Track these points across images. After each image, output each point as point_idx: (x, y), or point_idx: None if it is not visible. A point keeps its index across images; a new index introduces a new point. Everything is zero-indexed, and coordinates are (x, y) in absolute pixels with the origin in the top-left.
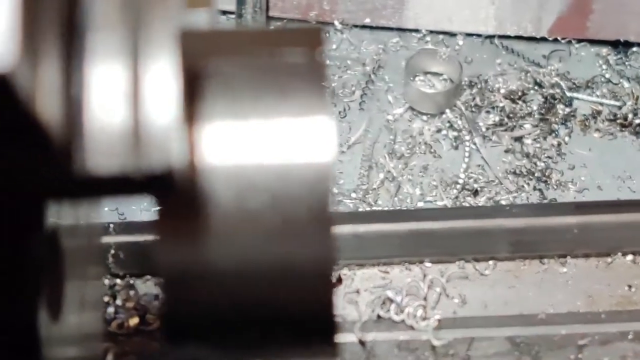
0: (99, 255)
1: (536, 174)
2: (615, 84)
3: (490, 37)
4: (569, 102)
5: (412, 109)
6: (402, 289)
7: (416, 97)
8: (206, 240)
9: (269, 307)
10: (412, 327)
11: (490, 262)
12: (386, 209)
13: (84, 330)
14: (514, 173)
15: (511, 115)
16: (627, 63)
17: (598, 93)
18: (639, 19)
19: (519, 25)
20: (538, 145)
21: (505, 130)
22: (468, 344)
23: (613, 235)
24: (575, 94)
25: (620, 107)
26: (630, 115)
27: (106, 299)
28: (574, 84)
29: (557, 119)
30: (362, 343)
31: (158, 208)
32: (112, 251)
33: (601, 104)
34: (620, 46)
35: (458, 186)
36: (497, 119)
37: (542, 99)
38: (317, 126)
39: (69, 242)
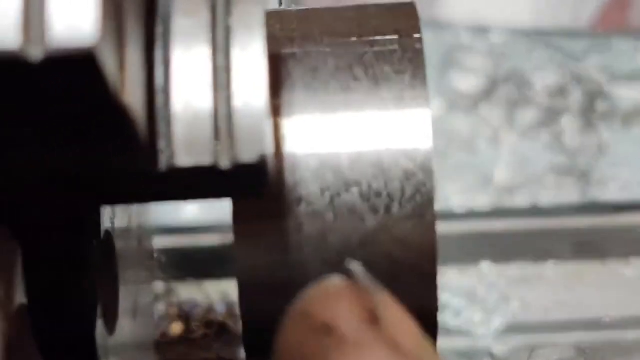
0: (150, 258)
1: (576, 171)
2: None
3: (527, 30)
4: (609, 97)
5: (447, 105)
6: (458, 293)
7: (451, 93)
8: (296, 242)
9: None
10: (469, 334)
11: (551, 263)
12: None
13: (137, 338)
14: (553, 170)
15: (550, 111)
16: None
17: None
18: None
19: (556, 18)
20: (578, 141)
21: (544, 126)
22: (530, 351)
23: None
24: (616, 89)
25: None
26: None
27: None
28: (614, 78)
29: (597, 115)
30: None
31: (239, 206)
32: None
33: None
34: None
35: (495, 184)
36: (535, 114)
37: (582, 94)
38: (414, 120)
39: (121, 245)
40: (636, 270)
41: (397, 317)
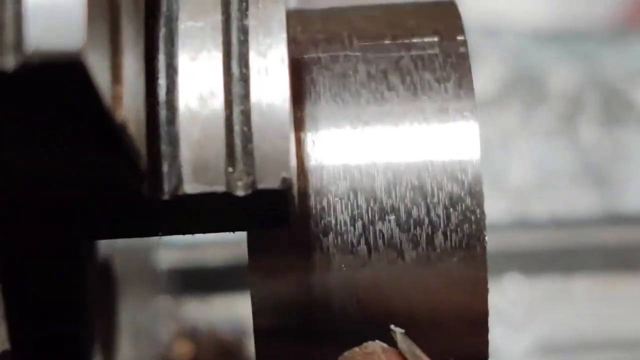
0: (153, 274)
1: (594, 174)
2: None
3: (543, 31)
4: (629, 97)
5: None
6: None
7: None
8: (323, 281)
9: None
10: (495, 352)
11: (580, 277)
12: None
13: None
14: (570, 173)
15: (567, 111)
16: None
17: None
18: None
19: (574, 17)
20: (595, 143)
21: (561, 127)
22: None
23: None
24: (636, 88)
25: None
26: None
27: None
28: (633, 78)
29: (615, 116)
30: None
31: (256, 237)
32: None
33: None
34: None
35: (510, 189)
36: (552, 115)
37: (600, 94)
38: (459, 135)
39: (122, 264)
40: None
41: None
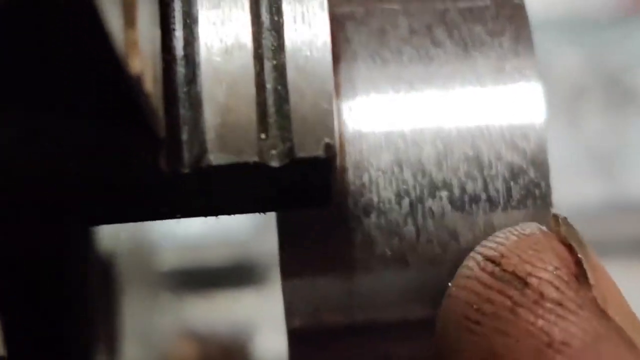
0: (155, 274)
1: (599, 160)
2: None
3: (546, 19)
4: (633, 84)
5: None
6: None
7: None
8: (364, 266)
9: None
10: None
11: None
12: None
13: None
14: (576, 160)
15: (573, 99)
16: None
17: None
18: None
19: (577, 4)
20: (602, 130)
21: (565, 115)
22: None
23: None
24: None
25: None
26: None
27: None
28: (638, 64)
29: (620, 102)
30: None
31: (287, 217)
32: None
33: None
34: None
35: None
36: (558, 102)
37: (607, 81)
38: (520, 98)
39: (124, 264)
40: None
41: (605, 280)
